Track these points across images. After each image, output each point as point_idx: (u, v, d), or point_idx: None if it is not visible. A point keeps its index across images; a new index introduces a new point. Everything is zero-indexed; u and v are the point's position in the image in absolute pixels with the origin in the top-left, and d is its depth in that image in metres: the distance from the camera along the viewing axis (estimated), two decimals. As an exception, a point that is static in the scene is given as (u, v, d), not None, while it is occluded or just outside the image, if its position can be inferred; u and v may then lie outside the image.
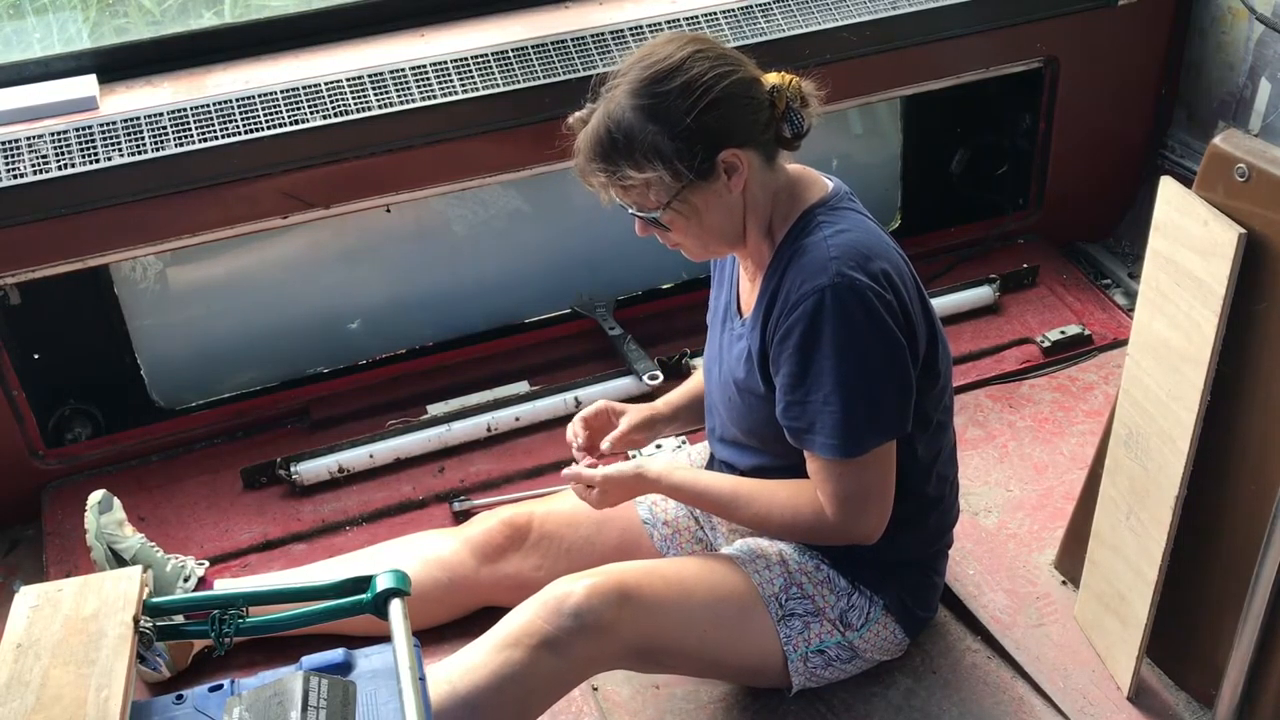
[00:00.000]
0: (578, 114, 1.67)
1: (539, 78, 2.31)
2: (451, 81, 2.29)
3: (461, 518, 2.27)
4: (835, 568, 1.82)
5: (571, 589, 1.69)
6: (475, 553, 2.00)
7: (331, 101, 2.23)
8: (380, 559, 2.04)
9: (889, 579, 1.83)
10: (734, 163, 1.62)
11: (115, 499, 2.06)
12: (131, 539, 2.01)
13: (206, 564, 2.07)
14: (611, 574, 1.73)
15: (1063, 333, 2.64)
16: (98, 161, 2.12)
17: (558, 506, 2.03)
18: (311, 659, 1.30)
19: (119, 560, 1.98)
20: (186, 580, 2.01)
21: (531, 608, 1.69)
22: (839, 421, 1.62)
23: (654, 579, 1.75)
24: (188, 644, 2.00)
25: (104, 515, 2.01)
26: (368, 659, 1.31)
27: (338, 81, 2.26)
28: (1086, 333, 2.65)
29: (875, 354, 1.62)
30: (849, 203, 1.73)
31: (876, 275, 1.62)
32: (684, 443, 2.23)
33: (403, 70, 2.29)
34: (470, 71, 2.30)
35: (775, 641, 1.80)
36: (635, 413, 1.92)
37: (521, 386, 2.54)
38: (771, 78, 1.64)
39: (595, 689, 1.95)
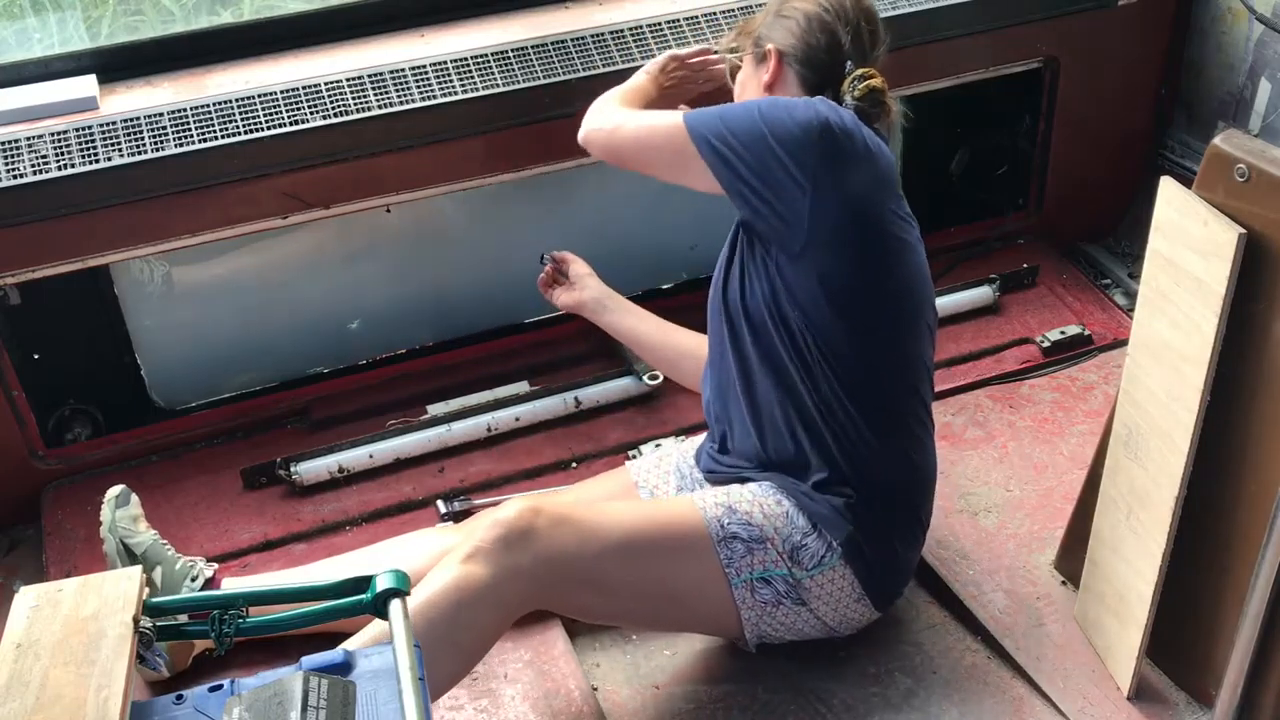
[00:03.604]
0: None
1: (539, 78, 2.31)
2: (451, 81, 2.29)
3: (452, 519, 2.27)
4: (799, 508, 1.84)
5: (502, 508, 1.76)
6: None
7: (331, 101, 2.23)
8: (380, 558, 2.05)
9: (853, 525, 1.84)
10: (766, 56, 1.91)
11: (134, 495, 2.07)
12: (144, 535, 2.02)
13: (216, 565, 2.08)
14: (543, 499, 1.81)
15: (1063, 333, 2.64)
16: (98, 161, 2.12)
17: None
18: (311, 659, 1.29)
19: (130, 555, 2.00)
20: (194, 580, 2.02)
21: (467, 530, 1.78)
22: (710, 109, 1.85)
23: (585, 505, 1.84)
24: (189, 644, 2.00)
25: (120, 510, 2.02)
26: (368, 659, 1.31)
27: (338, 81, 2.26)
28: (1086, 333, 2.65)
29: (781, 132, 1.75)
30: None
31: (846, 114, 1.79)
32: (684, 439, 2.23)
33: (403, 70, 2.29)
34: (470, 71, 2.31)
35: (715, 564, 1.82)
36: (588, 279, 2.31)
37: (521, 386, 2.54)
38: (866, 70, 1.86)
39: (595, 689, 1.95)
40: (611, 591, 1.82)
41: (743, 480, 1.92)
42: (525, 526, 1.73)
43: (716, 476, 1.98)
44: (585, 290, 2.31)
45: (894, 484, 1.89)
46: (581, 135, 2.04)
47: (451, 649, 1.70)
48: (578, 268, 2.35)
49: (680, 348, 2.22)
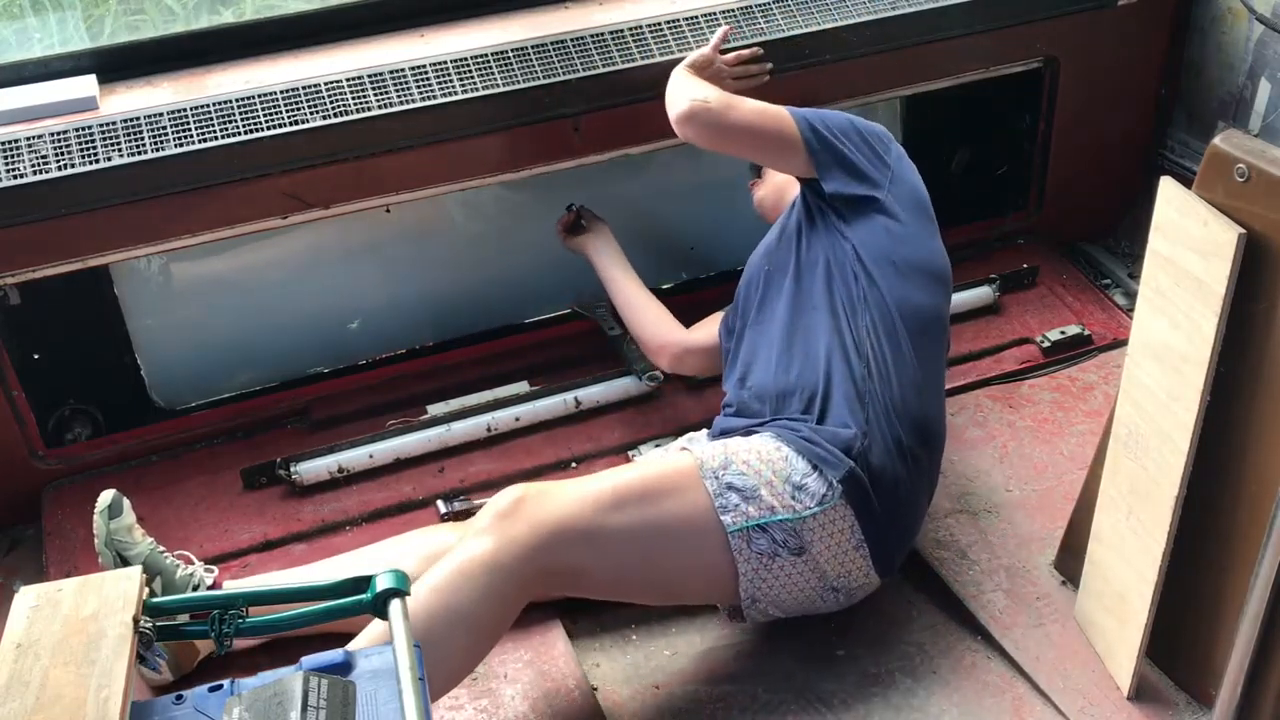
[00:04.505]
0: None
1: (539, 78, 2.31)
2: (451, 81, 2.29)
3: (452, 519, 2.26)
4: (799, 453, 1.88)
5: (494, 497, 1.84)
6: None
7: (331, 101, 2.23)
8: (380, 556, 2.05)
9: (855, 461, 1.87)
10: None
11: (125, 500, 2.02)
12: (141, 545, 2.00)
13: (215, 571, 2.07)
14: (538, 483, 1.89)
15: (1063, 333, 2.64)
16: (98, 161, 2.12)
17: None
18: (311, 659, 1.29)
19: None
20: (196, 589, 2.00)
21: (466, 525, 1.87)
22: (813, 111, 2.11)
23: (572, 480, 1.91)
24: (194, 649, 1.99)
25: (114, 521, 1.98)
26: (368, 659, 1.31)
27: (338, 81, 2.26)
28: (1086, 333, 2.65)
29: (864, 128, 2.11)
30: None
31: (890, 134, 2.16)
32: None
33: (403, 70, 2.29)
34: (470, 71, 2.31)
35: (709, 506, 1.84)
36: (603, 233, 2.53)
37: (521, 386, 2.54)
38: None
39: (595, 689, 1.95)
40: (607, 547, 1.82)
41: (747, 435, 1.97)
42: (516, 499, 1.81)
43: (724, 439, 2.00)
44: (594, 233, 2.53)
45: (904, 422, 1.93)
46: (684, 111, 2.07)
47: (465, 626, 1.72)
48: (599, 223, 2.56)
49: (650, 307, 2.44)
